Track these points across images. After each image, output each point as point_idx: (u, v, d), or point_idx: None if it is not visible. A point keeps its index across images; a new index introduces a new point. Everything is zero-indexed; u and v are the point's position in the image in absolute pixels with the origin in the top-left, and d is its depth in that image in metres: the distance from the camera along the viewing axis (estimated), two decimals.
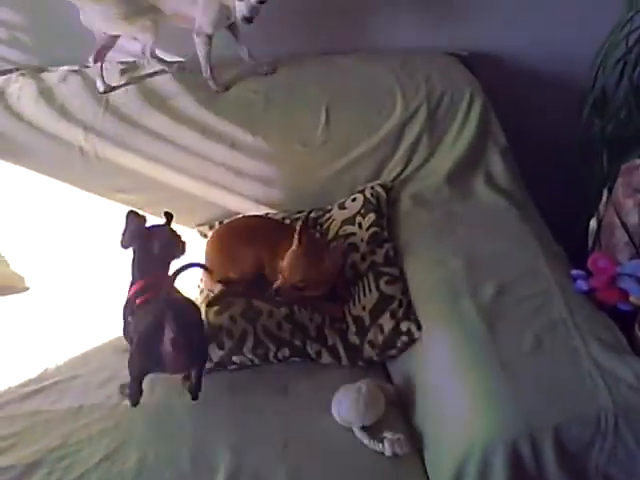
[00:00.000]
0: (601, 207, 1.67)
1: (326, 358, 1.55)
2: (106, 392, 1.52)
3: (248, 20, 1.64)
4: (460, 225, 1.69)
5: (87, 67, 1.95)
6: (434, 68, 2.00)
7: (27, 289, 1.93)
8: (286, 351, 1.54)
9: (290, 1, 1.95)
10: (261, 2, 1.64)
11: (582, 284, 1.49)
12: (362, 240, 1.69)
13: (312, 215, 1.83)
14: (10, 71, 1.97)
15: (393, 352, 1.51)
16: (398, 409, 1.45)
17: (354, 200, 1.80)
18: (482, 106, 1.91)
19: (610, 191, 1.63)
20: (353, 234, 1.71)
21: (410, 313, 1.52)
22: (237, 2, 1.65)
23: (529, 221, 1.71)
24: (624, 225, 1.59)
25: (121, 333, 1.50)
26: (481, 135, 1.90)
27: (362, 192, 1.82)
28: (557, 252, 1.63)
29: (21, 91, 1.88)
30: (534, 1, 2.06)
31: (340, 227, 1.76)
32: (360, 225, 1.72)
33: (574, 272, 1.52)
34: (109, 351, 1.64)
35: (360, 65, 1.98)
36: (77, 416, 1.47)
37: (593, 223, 1.70)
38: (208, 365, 1.51)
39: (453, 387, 1.34)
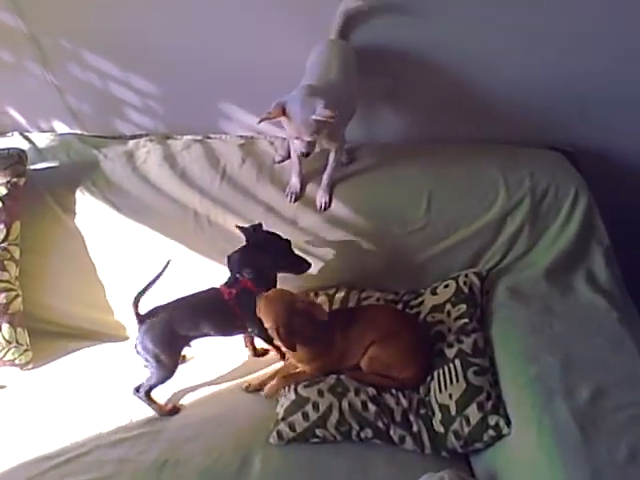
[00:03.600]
0: None
1: (409, 444, 1.55)
2: (190, 449, 1.57)
3: (305, 155, 1.71)
4: (557, 322, 1.66)
5: (209, 138, 2.10)
6: (539, 162, 2.02)
7: (127, 338, 2.04)
8: (369, 432, 1.55)
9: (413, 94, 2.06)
10: (313, 142, 1.68)
11: None
12: (450, 330, 1.70)
13: (405, 298, 1.86)
14: (140, 136, 2.16)
15: (478, 445, 1.49)
16: None
17: (446, 287, 1.83)
18: (586, 204, 1.91)
19: None
20: (441, 322, 1.74)
21: (499, 407, 1.50)
22: (294, 140, 1.71)
23: (629, 324, 1.66)
24: None
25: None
26: (584, 233, 1.89)
27: (456, 279, 1.83)
28: None
29: (148, 155, 2.05)
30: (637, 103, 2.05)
31: (429, 313, 1.79)
32: (449, 314, 1.75)
33: None
34: (196, 409, 1.70)
35: (465, 155, 2.03)
36: (162, 469, 1.53)
37: None
38: (291, 435, 1.54)
39: None
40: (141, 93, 2.18)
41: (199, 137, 2.11)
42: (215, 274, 1.94)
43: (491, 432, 1.46)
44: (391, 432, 1.55)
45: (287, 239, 1.79)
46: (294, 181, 1.93)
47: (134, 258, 2.01)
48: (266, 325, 1.62)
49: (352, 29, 1.91)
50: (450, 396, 1.55)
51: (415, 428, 1.55)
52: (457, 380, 1.56)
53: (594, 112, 2.09)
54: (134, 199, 1.99)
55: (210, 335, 1.75)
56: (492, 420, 1.47)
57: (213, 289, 1.79)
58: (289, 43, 1.97)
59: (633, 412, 1.38)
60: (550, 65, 1.98)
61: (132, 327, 2.02)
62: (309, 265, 1.79)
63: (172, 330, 1.71)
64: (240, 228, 1.80)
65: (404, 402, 1.59)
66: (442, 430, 1.52)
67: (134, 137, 2.16)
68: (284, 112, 1.62)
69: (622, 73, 1.99)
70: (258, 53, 2.03)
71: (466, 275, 1.84)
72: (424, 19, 1.89)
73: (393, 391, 1.62)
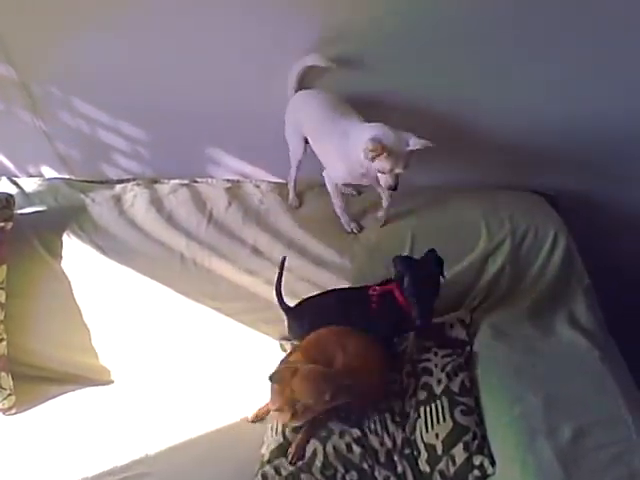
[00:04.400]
0: None
1: None
2: None
3: (394, 188, 1.73)
4: (539, 362, 1.68)
5: (195, 182, 2.14)
6: (519, 205, 2.07)
7: (112, 382, 2.03)
8: (354, 475, 1.55)
9: None
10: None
11: None
12: (436, 366, 1.72)
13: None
14: (128, 180, 2.19)
15: None
16: None
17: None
18: (566, 245, 1.95)
19: None
20: (428, 360, 1.75)
21: (484, 447, 1.50)
22: (380, 175, 1.72)
23: (610, 363, 1.68)
24: None
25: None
26: (564, 273, 1.93)
27: (441, 326, 1.85)
28: (639, 398, 1.59)
29: (135, 199, 2.08)
30: (618, 147, 2.12)
31: (415, 352, 1.80)
32: (436, 354, 1.76)
33: None
34: (180, 451, 1.69)
35: (447, 198, 2.08)
36: None
37: None
38: (276, 478, 1.54)
39: None
40: (129, 138, 2.22)
41: (186, 181, 2.14)
42: (201, 316, 1.96)
43: (476, 472, 1.46)
44: (376, 473, 1.54)
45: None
46: (346, 218, 1.99)
47: (120, 302, 2.01)
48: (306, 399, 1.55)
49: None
50: (437, 435, 1.55)
51: (400, 469, 1.55)
52: (444, 419, 1.57)
53: (575, 156, 2.15)
54: (121, 243, 2.01)
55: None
56: (477, 460, 1.47)
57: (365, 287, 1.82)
58: (275, 89, 2.02)
59: (614, 451, 1.39)
60: (532, 110, 2.04)
61: (117, 370, 2.03)
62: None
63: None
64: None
65: (388, 442, 1.59)
66: (428, 470, 1.52)
67: (121, 181, 2.19)
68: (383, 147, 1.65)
69: (603, 119, 2.05)
70: (244, 98, 2.08)
71: (451, 325, 1.86)
72: (399, 66, 1.95)
73: (378, 431, 1.62)
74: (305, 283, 1.96)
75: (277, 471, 1.54)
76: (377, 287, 1.80)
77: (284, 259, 1.82)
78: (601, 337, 1.81)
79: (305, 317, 1.81)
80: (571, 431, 1.44)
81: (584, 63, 1.94)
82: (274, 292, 1.82)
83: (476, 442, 1.51)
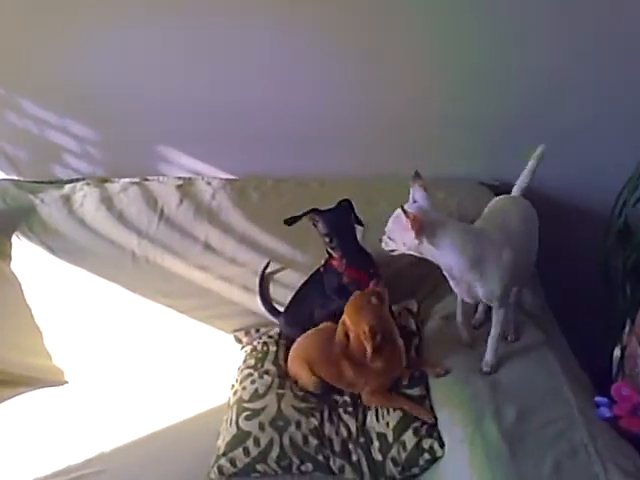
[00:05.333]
0: (625, 336, 1.71)
1: (349, 473, 1.57)
2: None
3: None
4: (487, 346, 1.73)
5: (146, 180, 2.14)
6: (466, 195, 2.11)
7: (66, 383, 2.02)
8: (309, 465, 1.58)
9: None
10: None
11: (605, 411, 1.51)
12: None
13: None
14: (77, 180, 2.18)
15: (415, 470, 1.53)
16: None
17: None
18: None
19: (633, 321, 1.67)
20: None
21: (433, 431, 1.55)
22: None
23: (555, 347, 1.74)
24: None
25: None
26: None
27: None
28: (581, 379, 1.66)
29: (84, 198, 2.06)
30: (563, 133, 2.18)
31: None
32: None
33: (598, 399, 1.55)
34: (136, 447, 1.70)
35: (395, 189, 2.08)
36: None
37: (617, 352, 1.73)
38: (232, 470, 1.55)
39: None
40: (78, 138, 2.21)
41: (137, 180, 2.14)
42: (155, 314, 1.96)
43: (426, 455, 1.51)
44: (331, 463, 1.58)
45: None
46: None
47: (72, 302, 2.00)
48: (356, 326, 1.60)
49: None
50: (387, 424, 1.59)
51: (354, 457, 1.58)
52: (394, 409, 1.61)
53: (519, 147, 2.21)
54: (71, 243, 1.99)
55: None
56: (427, 444, 1.52)
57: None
58: (225, 83, 2.05)
59: (557, 428, 1.44)
60: (478, 100, 2.10)
61: (71, 371, 2.01)
62: None
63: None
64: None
65: (344, 432, 1.62)
66: (380, 458, 1.56)
67: (71, 181, 2.17)
68: None
69: (544, 109, 2.12)
70: (193, 94, 2.10)
71: (399, 314, 1.90)
72: None
73: (334, 419, 1.65)
74: (258, 278, 1.98)
75: (232, 463, 1.56)
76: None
77: (267, 264, 1.86)
78: (546, 323, 1.87)
79: (296, 316, 1.86)
80: (516, 411, 1.49)
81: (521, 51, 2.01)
82: (259, 300, 1.88)
83: (425, 427, 1.55)
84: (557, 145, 2.16)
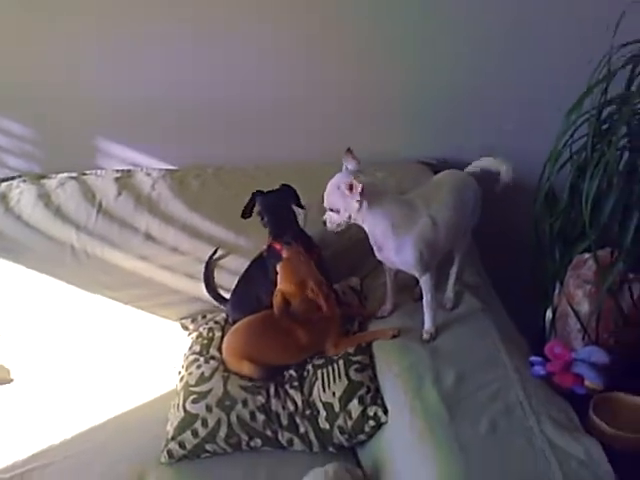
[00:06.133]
0: (555, 298, 1.78)
1: (298, 445, 1.61)
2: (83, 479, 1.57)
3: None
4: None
5: (84, 174, 2.12)
6: (404, 174, 2.15)
7: (11, 381, 1.99)
8: (258, 441, 1.61)
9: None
10: None
11: (539, 369, 1.58)
12: None
13: None
14: (13, 178, 2.15)
15: (362, 437, 1.57)
16: None
17: None
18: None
19: (562, 283, 1.75)
20: None
21: (377, 398, 1.59)
22: None
23: (492, 313, 1.80)
24: (576, 314, 1.69)
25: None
26: None
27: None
28: (518, 341, 1.73)
29: (21, 195, 2.04)
30: (490, 109, 2.25)
31: None
32: None
33: (532, 358, 1.61)
34: (84, 436, 1.69)
35: (333, 171, 2.13)
36: None
37: (549, 313, 1.80)
38: (182, 452, 1.57)
39: (415, 470, 1.39)
40: (12, 136, 2.18)
41: (74, 174, 2.12)
42: (98, 307, 1.95)
43: (371, 422, 1.55)
44: (279, 437, 1.60)
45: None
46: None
47: (13, 299, 1.98)
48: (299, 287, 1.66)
49: None
50: (333, 394, 1.62)
51: (302, 429, 1.61)
52: (340, 378, 1.64)
53: (457, 126, 2.27)
54: (8, 240, 1.98)
55: None
56: (371, 411, 1.56)
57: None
58: (159, 73, 2.05)
59: (492, 389, 1.50)
60: (418, 82, 2.16)
61: (16, 369, 1.99)
62: None
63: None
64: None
65: (290, 406, 1.65)
66: (327, 427, 1.59)
67: (6, 179, 2.14)
68: None
69: (477, 88, 2.19)
70: (129, 86, 2.10)
71: (343, 292, 1.94)
72: None
73: (281, 394, 1.67)
74: (202, 265, 1.99)
75: (182, 446, 1.57)
76: None
77: (215, 251, 1.89)
78: (483, 290, 1.93)
79: (243, 301, 1.88)
80: (454, 376, 1.54)
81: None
82: (204, 287, 1.90)
83: (370, 395, 1.59)
84: (493, 119, 2.26)
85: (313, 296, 1.66)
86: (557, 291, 1.78)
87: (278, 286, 1.71)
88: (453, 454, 1.36)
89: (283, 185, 1.86)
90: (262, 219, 1.84)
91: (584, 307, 1.69)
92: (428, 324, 1.69)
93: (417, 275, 1.68)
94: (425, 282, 1.68)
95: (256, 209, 1.84)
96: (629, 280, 1.61)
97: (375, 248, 1.68)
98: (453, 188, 1.72)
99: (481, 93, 2.20)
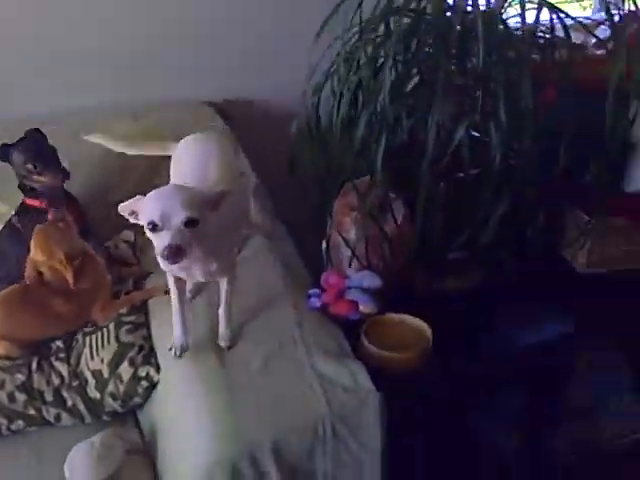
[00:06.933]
0: (328, 228, 1.76)
1: (67, 420, 1.49)
2: None
3: None
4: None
5: None
6: (186, 117, 2.03)
7: None
8: (20, 423, 1.47)
9: None
10: None
11: (315, 301, 1.56)
12: None
13: None
14: None
15: (138, 400, 1.47)
16: (142, 456, 1.40)
17: None
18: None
19: (331, 215, 1.73)
20: None
21: (150, 357, 1.49)
22: None
23: (278, 249, 1.75)
24: (345, 241, 1.68)
25: None
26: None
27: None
28: (300, 276, 1.68)
29: None
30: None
31: None
32: None
33: (310, 291, 1.58)
34: None
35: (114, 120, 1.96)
36: None
37: (324, 244, 1.79)
38: None
39: (186, 421, 1.33)
40: None
41: None
42: None
43: (144, 383, 1.45)
44: (44, 414, 1.47)
45: None
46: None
47: None
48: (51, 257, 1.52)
49: None
50: (102, 360, 1.50)
51: (70, 402, 1.48)
52: (109, 342, 1.52)
53: (238, 65, 2.20)
54: None
55: None
56: (143, 371, 1.46)
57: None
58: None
59: (270, 326, 1.46)
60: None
61: None
62: None
63: None
64: None
65: (55, 380, 1.51)
66: (98, 396, 1.48)
67: None
68: None
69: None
70: None
71: (116, 246, 1.81)
72: None
73: (45, 368, 1.53)
74: None
75: None
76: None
77: None
78: (272, 228, 1.87)
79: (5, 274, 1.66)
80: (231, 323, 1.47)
81: None
82: None
83: (142, 354, 1.49)
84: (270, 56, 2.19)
85: (61, 267, 1.52)
86: (329, 223, 1.76)
87: (30, 254, 1.55)
88: (219, 397, 1.30)
89: (31, 131, 1.66)
90: (35, 168, 1.60)
91: (352, 234, 1.68)
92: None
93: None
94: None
95: (18, 161, 1.62)
96: (390, 200, 1.60)
97: None
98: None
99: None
